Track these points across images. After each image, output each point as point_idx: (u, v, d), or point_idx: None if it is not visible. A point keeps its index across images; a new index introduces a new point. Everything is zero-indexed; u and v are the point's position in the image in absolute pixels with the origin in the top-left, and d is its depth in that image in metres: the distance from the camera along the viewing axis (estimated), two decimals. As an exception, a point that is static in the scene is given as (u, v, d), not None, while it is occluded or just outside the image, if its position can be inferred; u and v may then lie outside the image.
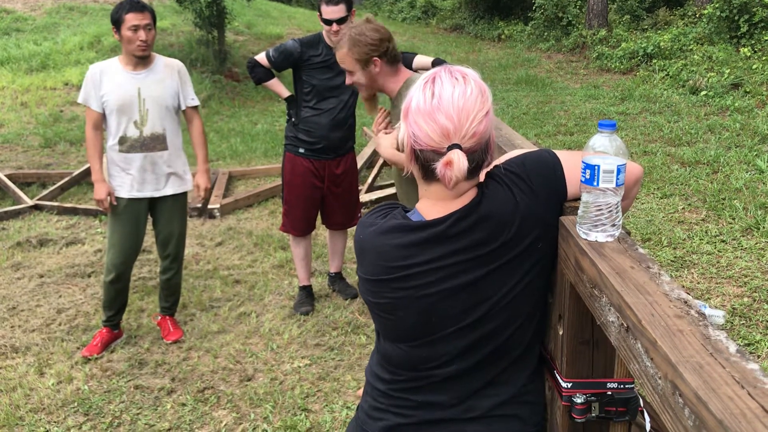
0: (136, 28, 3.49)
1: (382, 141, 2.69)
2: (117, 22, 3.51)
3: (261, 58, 3.99)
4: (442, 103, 1.35)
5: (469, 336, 1.42)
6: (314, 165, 4.06)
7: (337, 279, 4.54)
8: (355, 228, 3.94)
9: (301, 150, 4.04)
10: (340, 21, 3.79)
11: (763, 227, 5.13)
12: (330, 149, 4.05)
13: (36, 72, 11.37)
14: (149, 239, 5.09)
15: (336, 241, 4.46)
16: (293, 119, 4.05)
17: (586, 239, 1.30)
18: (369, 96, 2.88)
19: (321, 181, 4.11)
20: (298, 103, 4.02)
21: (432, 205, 1.44)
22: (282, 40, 15.95)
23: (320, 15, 3.84)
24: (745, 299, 4.15)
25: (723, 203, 5.70)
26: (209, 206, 6.10)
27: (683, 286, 4.37)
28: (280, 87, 4.10)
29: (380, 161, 7.25)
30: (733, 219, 5.37)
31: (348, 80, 2.86)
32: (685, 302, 1.03)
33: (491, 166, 1.49)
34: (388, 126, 2.79)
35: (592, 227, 1.30)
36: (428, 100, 1.37)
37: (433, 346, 1.45)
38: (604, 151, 1.27)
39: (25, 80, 10.86)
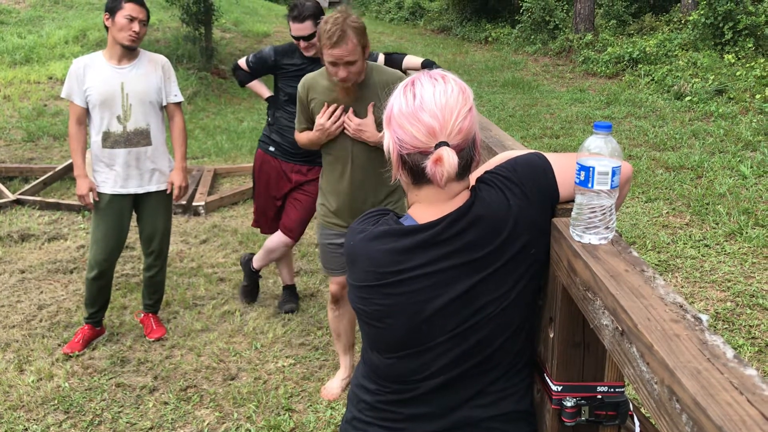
0: (132, 19, 3.46)
1: (369, 124, 2.87)
2: (113, 9, 3.47)
3: (242, 62, 3.99)
4: (425, 102, 1.35)
5: (459, 346, 1.39)
6: (282, 166, 3.98)
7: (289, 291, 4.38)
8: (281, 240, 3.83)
9: (272, 148, 3.98)
10: (308, 38, 3.67)
11: (746, 232, 5.17)
12: (300, 154, 3.93)
13: (20, 65, 11.24)
14: (133, 236, 5.04)
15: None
16: (269, 119, 4.01)
17: (579, 241, 1.29)
18: (355, 83, 2.90)
19: (288, 181, 4.00)
20: (277, 106, 3.98)
21: (424, 209, 1.42)
22: (269, 39, 15.91)
23: (290, 30, 3.73)
24: (728, 304, 4.17)
25: (707, 208, 5.73)
26: (194, 203, 6.05)
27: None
28: (261, 88, 4.07)
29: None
30: (717, 224, 5.40)
31: (343, 73, 2.81)
32: (681, 306, 1.02)
33: (481, 171, 1.47)
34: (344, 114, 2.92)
35: (586, 229, 1.29)
36: (410, 103, 1.36)
37: (422, 356, 1.42)
38: (599, 152, 1.26)
39: (9, 73, 10.73)
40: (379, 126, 2.89)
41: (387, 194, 3.09)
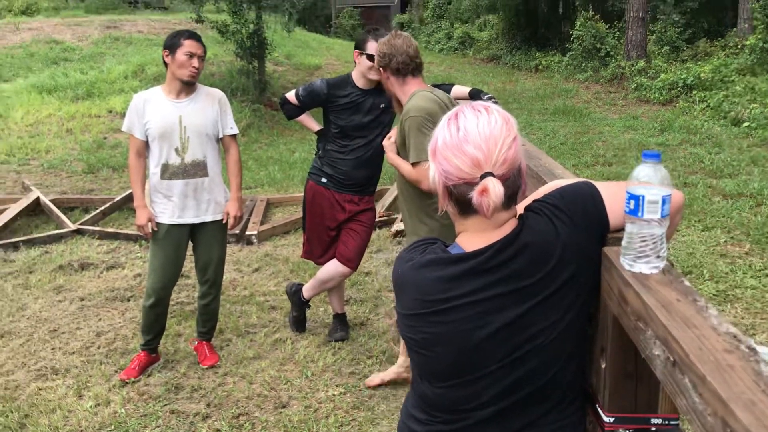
0: (191, 55, 3.58)
1: (387, 146, 3.22)
2: (173, 47, 3.59)
3: (290, 96, 4.01)
4: (469, 134, 1.36)
5: (508, 376, 1.39)
6: (335, 196, 4.02)
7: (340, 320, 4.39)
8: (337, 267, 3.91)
9: (324, 180, 4.03)
10: None
11: (810, 262, 5.00)
12: (353, 185, 4.01)
13: (81, 100, 11.68)
14: (188, 264, 5.15)
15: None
16: (319, 152, 4.05)
17: (630, 270, 1.28)
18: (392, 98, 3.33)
19: (342, 211, 4.05)
20: (327, 138, 4.01)
21: (471, 237, 1.43)
22: (320, 71, 16.18)
23: (363, 51, 3.75)
24: (792, 336, 4.03)
25: (767, 237, 5.57)
26: (247, 233, 6.16)
27: (726, 321, 4.26)
28: (310, 122, 4.10)
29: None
30: (778, 253, 5.24)
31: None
32: (734, 336, 1.01)
33: (530, 200, 1.48)
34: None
35: (637, 258, 1.28)
36: (454, 135, 1.38)
37: (472, 386, 1.41)
38: (649, 181, 1.26)
39: (71, 108, 11.16)
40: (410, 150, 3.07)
41: (419, 221, 3.19)
